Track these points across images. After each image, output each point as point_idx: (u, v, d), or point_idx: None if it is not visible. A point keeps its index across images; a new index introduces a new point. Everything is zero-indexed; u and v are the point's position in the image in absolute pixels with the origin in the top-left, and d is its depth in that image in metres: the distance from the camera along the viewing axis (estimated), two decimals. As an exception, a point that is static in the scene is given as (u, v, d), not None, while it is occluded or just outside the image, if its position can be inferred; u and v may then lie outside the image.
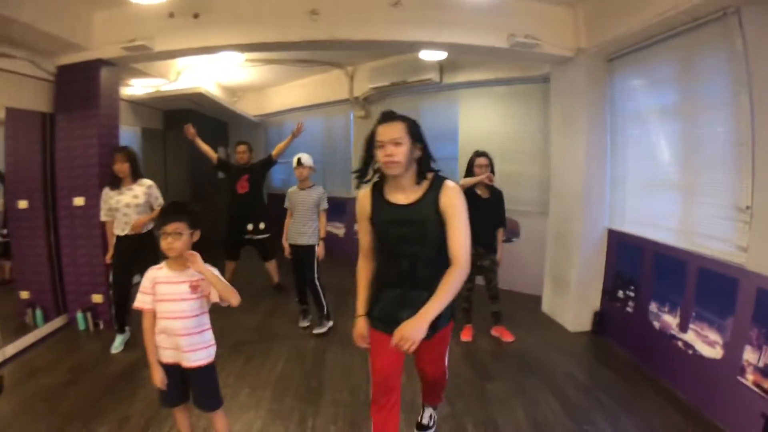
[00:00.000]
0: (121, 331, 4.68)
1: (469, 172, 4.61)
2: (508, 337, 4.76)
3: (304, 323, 5.18)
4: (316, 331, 5.00)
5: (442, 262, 2.34)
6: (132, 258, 4.56)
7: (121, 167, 4.46)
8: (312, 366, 4.29)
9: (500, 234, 4.72)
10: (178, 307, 2.52)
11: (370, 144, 2.38)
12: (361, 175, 2.47)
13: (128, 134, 6.83)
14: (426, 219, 2.35)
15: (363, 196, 2.53)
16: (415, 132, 2.35)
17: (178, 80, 7.15)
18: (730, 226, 3.34)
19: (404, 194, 2.41)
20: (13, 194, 5.08)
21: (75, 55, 4.96)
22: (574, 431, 3.23)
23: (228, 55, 5.50)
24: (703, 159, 3.67)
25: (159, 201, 4.62)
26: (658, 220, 4.19)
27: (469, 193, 4.47)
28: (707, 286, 3.47)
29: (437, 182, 2.39)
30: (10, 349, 4.40)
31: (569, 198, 5.08)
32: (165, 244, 2.50)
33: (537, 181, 6.17)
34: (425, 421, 3.11)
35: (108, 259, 4.66)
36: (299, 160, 4.96)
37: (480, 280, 4.81)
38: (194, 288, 2.52)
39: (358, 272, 2.61)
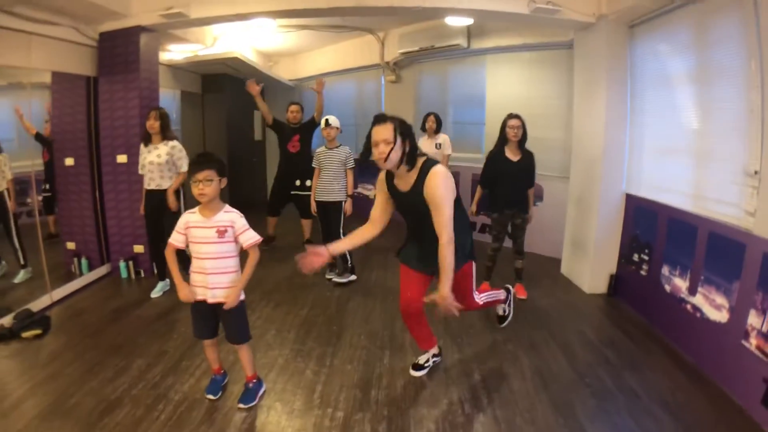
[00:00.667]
0: (162, 278, 5.02)
1: (502, 133, 4.69)
2: (521, 294, 4.91)
3: (331, 275, 5.44)
4: (335, 279, 5.30)
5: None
6: (160, 211, 4.79)
7: (153, 124, 4.65)
8: (335, 313, 4.57)
9: (531, 193, 4.81)
10: (208, 249, 2.82)
11: (369, 140, 2.81)
12: (364, 160, 2.92)
13: (168, 97, 7.11)
14: (419, 203, 2.87)
15: (381, 179, 3.10)
16: (403, 130, 2.79)
17: (215, 45, 7.37)
18: (739, 192, 3.37)
19: (403, 182, 2.95)
20: (61, 152, 5.38)
21: (115, 22, 5.20)
22: (576, 383, 3.37)
23: (260, 22, 5.64)
24: (716, 125, 3.69)
25: (182, 166, 4.74)
26: (672, 185, 4.22)
27: (499, 157, 4.66)
28: (716, 250, 3.50)
29: (424, 170, 2.84)
30: (58, 294, 4.79)
31: (589, 163, 5.13)
32: (197, 190, 2.74)
33: (560, 146, 6.20)
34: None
35: (141, 210, 4.92)
36: (327, 121, 5.19)
37: (507, 241, 4.97)
38: (221, 233, 2.80)
39: (356, 230, 3.15)
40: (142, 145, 4.82)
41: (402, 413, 3.01)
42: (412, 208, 2.98)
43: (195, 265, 2.87)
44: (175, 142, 4.74)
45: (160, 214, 4.81)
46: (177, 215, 4.49)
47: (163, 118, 4.72)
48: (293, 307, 4.68)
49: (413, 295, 3.15)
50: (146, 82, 5.43)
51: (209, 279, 2.85)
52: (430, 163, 2.87)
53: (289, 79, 9.78)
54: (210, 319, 2.99)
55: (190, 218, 2.87)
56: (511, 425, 2.88)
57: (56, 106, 5.33)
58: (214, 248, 2.82)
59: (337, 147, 5.24)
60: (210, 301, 2.89)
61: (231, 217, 2.85)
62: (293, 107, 6.50)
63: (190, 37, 6.65)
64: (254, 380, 3.15)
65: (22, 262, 4.90)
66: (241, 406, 3.05)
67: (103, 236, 5.62)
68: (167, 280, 5.03)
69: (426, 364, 3.45)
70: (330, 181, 5.22)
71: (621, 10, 4.51)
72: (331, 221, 5.29)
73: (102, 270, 5.56)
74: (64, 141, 5.42)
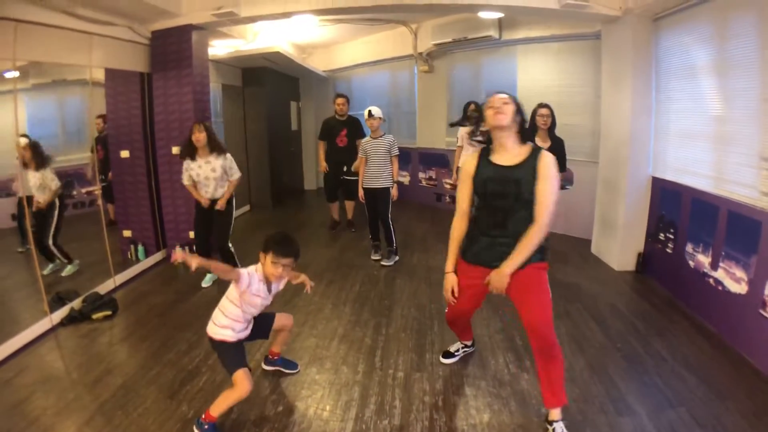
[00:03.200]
0: (209, 270, 5.00)
1: (532, 121, 4.90)
2: None
3: (376, 256, 5.80)
4: (384, 263, 5.63)
5: (530, 218, 2.66)
6: (212, 218, 4.94)
7: (198, 137, 4.66)
8: (384, 289, 4.94)
9: (560, 178, 5.04)
10: (262, 304, 2.99)
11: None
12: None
13: (211, 91, 7.47)
14: (523, 179, 2.63)
15: (470, 158, 2.88)
16: (518, 105, 2.74)
17: (256, 40, 7.70)
18: (755, 174, 3.64)
19: (508, 156, 2.72)
20: (116, 145, 5.68)
21: (168, 21, 5.53)
22: (608, 347, 3.71)
23: (304, 18, 5.82)
24: (734, 113, 3.94)
25: (234, 174, 4.87)
26: (694, 168, 4.49)
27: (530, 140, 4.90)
28: (735, 228, 3.79)
29: (536, 151, 2.70)
30: (120, 278, 5.15)
31: (617, 148, 5.36)
32: (276, 272, 2.80)
33: (588, 133, 6.41)
34: None
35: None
36: (370, 112, 5.46)
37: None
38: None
39: (453, 231, 2.93)
40: (187, 160, 4.81)
41: (455, 373, 3.39)
42: (510, 186, 2.66)
43: (244, 314, 2.94)
44: (229, 155, 4.86)
45: (212, 221, 4.97)
46: (228, 218, 4.88)
47: (209, 129, 4.76)
48: (345, 284, 5.05)
49: (466, 307, 3.10)
50: (198, 77, 5.76)
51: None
52: (540, 147, 2.78)
53: (323, 70, 9.98)
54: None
55: (253, 281, 2.85)
56: (552, 382, 3.24)
57: (110, 102, 5.62)
58: (265, 304, 2.99)
59: (381, 136, 5.52)
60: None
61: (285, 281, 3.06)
62: (340, 99, 6.91)
63: (233, 33, 6.95)
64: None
65: (65, 260, 5.03)
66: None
67: (158, 224, 5.96)
68: None
69: (456, 353, 3.57)
70: (377, 169, 5.51)
71: (646, 5, 4.75)
72: (379, 206, 5.59)
73: (158, 256, 5.92)
74: (119, 134, 5.71)
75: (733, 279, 3.79)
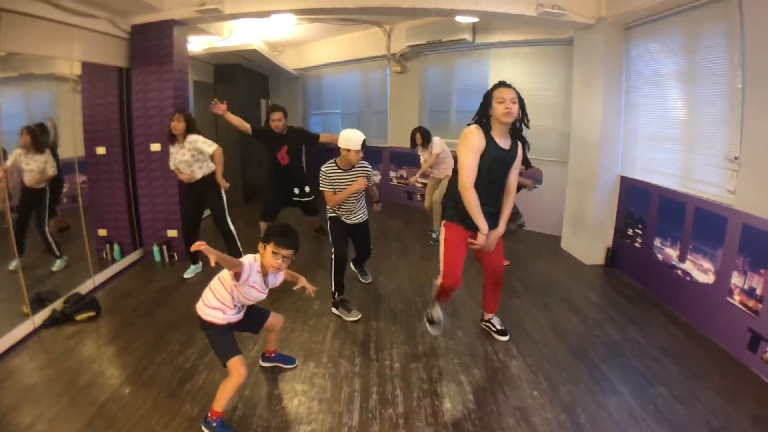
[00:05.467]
0: (194, 262, 5.27)
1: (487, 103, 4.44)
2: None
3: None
4: (362, 280, 5.19)
5: (504, 189, 3.48)
6: (201, 197, 5.06)
7: (176, 126, 4.83)
8: (368, 286, 5.01)
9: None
10: (258, 298, 2.94)
11: (487, 101, 3.27)
12: (480, 122, 3.33)
13: (186, 87, 7.41)
14: (513, 161, 3.40)
15: (477, 135, 3.26)
16: (521, 101, 3.31)
17: (231, 37, 7.64)
18: (721, 174, 3.93)
19: (504, 140, 3.33)
20: (92, 142, 5.50)
21: (149, 15, 5.42)
22: (587, 335, 3.95)
23: (283, 17, 5.77)
24: (701, 117, 4.23)
25: (207, 150, 4.82)
26: (662, 168, 4.78)
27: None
28: (702, 223, 4.08)
29: (517, 137, 3.42)
30: (99, 278, 5.03)
31: (587, 149, 5.60)
32: (275, 263, 2.75)
33: (558, 134, 6.64)
34: (501, 326, 3.91)
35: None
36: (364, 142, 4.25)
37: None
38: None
39: (472, 201, 3.27)
40: (170, 146, 4.99)
41: (448, 362, 3.55)
42: (504, 165, 3.36)
43: (233, 300, 2.88)
44: (190, 137, 4.85)
45: (202, 204, 5.11)
46: (216, 198, 4.93)
47: (189, 120, 4.88)
48: (327, 281, 4.57)
49: (460, 273, 3.49)
50: (179, 73, 5.67)
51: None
52: (519, 134, 3.41)
53: (293, 68, 9.93)
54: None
55: (252, 272, 2.80)
56: (540, 367, 3.46)
57: (86, 97, 5.42)
58: (260, 297, 2.94)
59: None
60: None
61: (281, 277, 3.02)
62: (276, 115, 5.48)
63: (210, 29, 6.91)
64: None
65: (57, 253, 4.94)
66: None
67: (135, 222, 5.83)
68: (200, 263, 5.23)
69: (439, 321, 3.80)
70: (357, 201, 4.48)
71: (619, 14, 4.98)
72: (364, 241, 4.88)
73: (134, 255, 5.80)
74: (96, 131, 5.53)
75: (700, 270, 4.07)
